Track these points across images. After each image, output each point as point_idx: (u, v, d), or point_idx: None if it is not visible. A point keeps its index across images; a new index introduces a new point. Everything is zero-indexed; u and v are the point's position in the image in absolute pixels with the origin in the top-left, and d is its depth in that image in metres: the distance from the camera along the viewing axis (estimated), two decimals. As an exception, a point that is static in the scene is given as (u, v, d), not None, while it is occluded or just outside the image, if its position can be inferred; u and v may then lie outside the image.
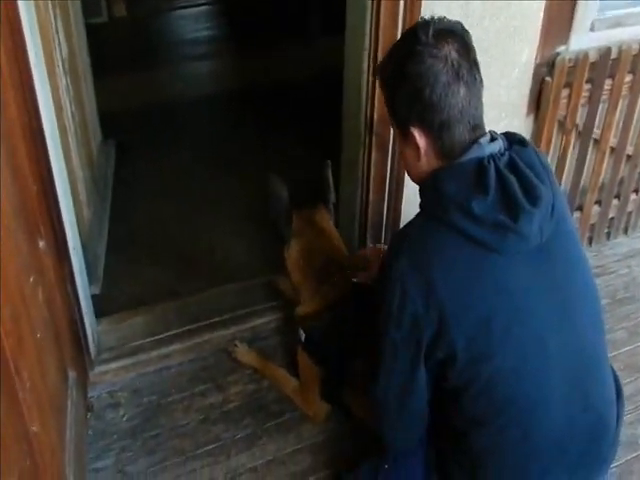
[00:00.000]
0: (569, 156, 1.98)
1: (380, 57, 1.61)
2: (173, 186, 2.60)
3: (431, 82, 1.07)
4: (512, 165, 1.10)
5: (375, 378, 1.20)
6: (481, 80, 1.11)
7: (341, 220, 1.98)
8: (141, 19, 4.15)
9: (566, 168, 2.00)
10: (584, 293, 1.19)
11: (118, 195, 2.50)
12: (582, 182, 2.07)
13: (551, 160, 1.97)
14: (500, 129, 1.83)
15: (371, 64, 1.66)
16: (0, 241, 1.02)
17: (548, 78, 1.83)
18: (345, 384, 1.56)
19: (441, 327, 1.09)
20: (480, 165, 1.08)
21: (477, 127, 1.12)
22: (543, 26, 1.76)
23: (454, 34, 1.09)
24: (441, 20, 1.12)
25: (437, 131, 1.11)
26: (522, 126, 1.92)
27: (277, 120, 2.99)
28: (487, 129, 1.14)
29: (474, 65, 1.10)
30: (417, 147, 1.13)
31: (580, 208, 2.14)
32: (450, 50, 1.07)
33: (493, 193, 1.06)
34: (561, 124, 1.92)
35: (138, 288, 2.10)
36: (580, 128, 1.96)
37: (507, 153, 1.11)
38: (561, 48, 1.83)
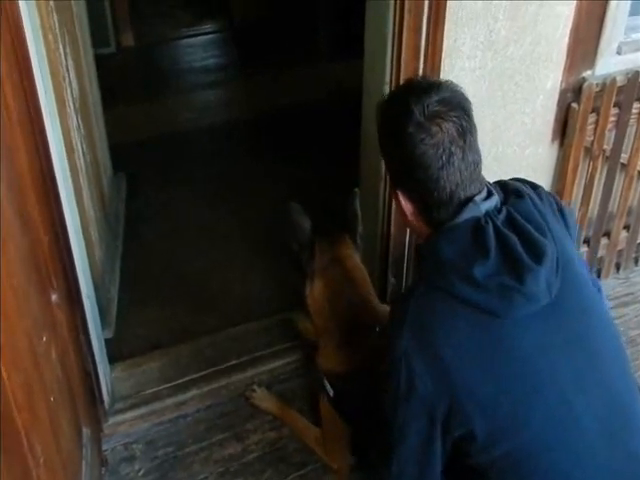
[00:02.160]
0: (596, 182, 1.92)
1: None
2: (185, 219, 2.54)
3: (420, 166, 1.03)
4: (511, 221, 1.04)
5: (387, 463, 1.11)
6: (477, 161, 1.06)
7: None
8: (149, 48, 4.15)
9: (593, 194, 1.94)
10: (603, 338, 1.11)
11: (129, 230, 2.45)
12: (610, 208, 2.00)
13: (577, 187, 1.91)
14: (525, 156, 1.83)
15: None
16: (7, 305, 0.96)
17: (574, 104, 1.77)
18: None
19: (454, 404, 1.01)
20: (477, 225, 1.03)
21: (469, 199, 1.05)
22: (568, 51, 1.71)
23: (451, 115, 1.03)
24: (441, 92, 1.05)
25: (424, 206, 1.08)
26: (547, 153, 1.86)
27: (290, 147, 2.95)
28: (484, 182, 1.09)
29: (468, 149, 1.04)
30: (403, 209, 1.11)
31: (607, 234, 2.07)
32: (444, 137, 1.02)
33: (494, 255, 1.00)
34: (588, 150, 1.86)
35: (151, 329, 2.04)
36: (607, 153, 1.89)
37: (504, 209, 1.06)
38: (587, 73, 1.78)
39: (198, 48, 4.21)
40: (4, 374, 0.88)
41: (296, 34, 3.98)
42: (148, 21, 4.30)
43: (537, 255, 1.01)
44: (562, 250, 1.06)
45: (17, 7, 1.20)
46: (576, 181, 1.90)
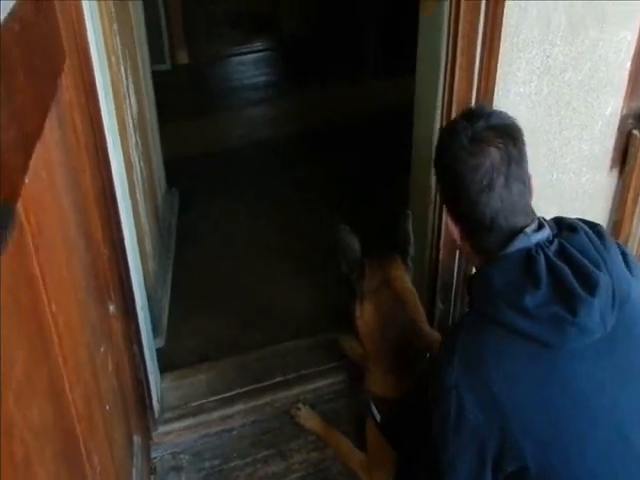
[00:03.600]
0: (657, 212, 1.86)
1: (454, 116, 1.56)
2: (235, 233, 2.59)
3: (460, 188, 1.05)
4: (563, 253, 1.03)
5: None
6: (522, 192, 1.06)
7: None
8: (202, 66, 4.25)
9: (654, 224, 1.88)
10: None
11: (180, 244, 2.51)
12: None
13: (638, 217, 1.85)
14: (582, 184, 1.79)
15: (444, 122, 1.60)
16: (71, 319, 1.00)
17: (635, 131, 1.73)
18: None
19: (506, 437, 0.99)
20: (528, 256, 1.02)
21: (514, 229, 1.05)
22: (630, 76, 1.67)
23: (497, 140, 1.04)
24: (489, 118, 1.06)
25: (466, 231, 1.09)
26: (605, 181, 1.82)
27: (338, 163, 2.97)
28: (536, 215, 1.09)
29: (513, 177, 1.04)
30: (453, 232, 1.12)
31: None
32: (485, 160, 1.03)
33: (545, 285, 0.99)
34: (648, 178, 1.81)
35: (200, 340, 2.08)
36: (670, 182, 1.84)
37: (556, 240, 1.05)
38: (649, 99, 1.73)
39: (249, 65, 4.31)
40: (67, 386, 0.91)
41: (344, 50, 4.03)
42: (202, 39, 4.41)
43: (590, 287, 0.99)
44: (620, 286, 1.04)
45: (84, 31, 1.26)
46: (636, 211, 1.84)
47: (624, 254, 1.13)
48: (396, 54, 2.88)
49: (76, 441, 0.93)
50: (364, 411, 1.60)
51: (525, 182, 1.07)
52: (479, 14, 1.44)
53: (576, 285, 0.99)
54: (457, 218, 1.11)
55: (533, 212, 1.09)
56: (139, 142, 2.12)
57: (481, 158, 1.03)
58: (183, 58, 4.20)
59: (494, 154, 1.03)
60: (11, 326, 0.72)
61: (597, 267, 1.02)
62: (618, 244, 1.14)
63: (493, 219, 1.05)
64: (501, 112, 1.10)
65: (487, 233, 1.06)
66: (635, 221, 1.85)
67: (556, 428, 1.00)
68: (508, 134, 1.06)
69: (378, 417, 1.50)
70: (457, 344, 1.06)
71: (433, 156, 1.17)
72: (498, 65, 1.52)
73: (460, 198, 1.07)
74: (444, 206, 1.18)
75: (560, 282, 1.00)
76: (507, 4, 1.45)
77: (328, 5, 4.07)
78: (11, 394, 0.69)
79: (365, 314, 1.51)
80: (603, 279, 1.00)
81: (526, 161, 1.08)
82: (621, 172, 1.81)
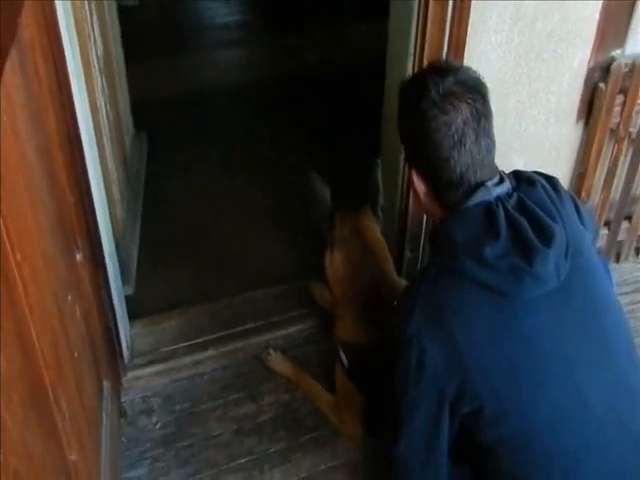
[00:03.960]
0: (620, 165, 1.89)
1: (426, 63, 1.55)
2: (204, 181, 2.56)
3: (432, 144, 1.05)
4: (521, 206, 1.06)
5: (395, 439, 1.14)
6: (490, 147, 1.08)
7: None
8: (171, 2, 4.10)
9: (616, 177, 1.92)
10: (612, 324, 1.13)
11: (149, 191, 2.47)
12: (632, 191, 1.98)
13: (601, 168, 1.89)
14: (549, 135, 1.82)
15: (416, 70, 1.59)
16: (36, 268, 1.00)
17: (601, 84, 1.74)
18: None
19: (465, 382, 1.04)
20: (488, 209, 1.05)
21: (481, 183, 1.08)
22: (598, 29, 1.67)
23: (466, 96, 1.05)
24: (459, 74, 1.07)
25: (435, 186, 1.10)
26: (571, 133, 1.84)
27: (311, 112, 2.93)
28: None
29: (482, 133, 1.06)
30: (417, 189, 1.13)
31: (629, 218, 2.06)
32: (457, 116, 1.03)
33: (504, 237, 1.03)
34: (613, 131, 1.83)
35: (170, 288, 2.09)
36: (633, 136, 1.86)
37: (515, 194, 1.08)
38: (616, 52, 1.74)
39: (220, 3, 4.16)
40: (34, 334, 0.92)
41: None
42: (171, -27, 4.24)
43: (546, 238, 1.03)
44: (573, 238, 1.08)
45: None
46: (600, 163, 1.88)
47: (576, 206, 1.17)
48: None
49: (44, 388, 0.95)
50: (333, 356, 1.64)
51: (492, 137, 1.09)
52: (452, -40, 1.42)
53: (533, 237, 1.02)
54: (425, 174, 1.12)
55: (495, 166, 1.11)
56: (105, 83, 2.06)
57: (452, 114, 1.04)
58: (151, -8, 4.04)
59: (465, 110, 1.04)
60: (-27, 278, 0.72)
61: (553, 219, 1.05)
62: (571, 196, 1.18)
63: (462, 174, 1.06)
64: (468, 68, 1.11)
65: (456, 188, 1.08)
66: (598, 173, 1.89)
67: (512, 374, 1.04)
68: (476, 90, 1.07)
69: (346, 362, 1.55)
70: (419, 294, 1.10)
71: (397, 110, 1.16)
72: (470, 13, 1.51)
73: (430, 155, 1.07)
74: (409, 163, 1.18)
75: (518, 234, 1.03)
76: (480, -49, 1.43)
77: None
78: (-24, 344, 0.69)
79: (335, 263, 1.53)
80: (558, 230, 1.04)
81: (492, 116, 1.09)
82: (586, 124, 1.83)
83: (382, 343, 1.32)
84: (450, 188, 1.09)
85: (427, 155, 1.08)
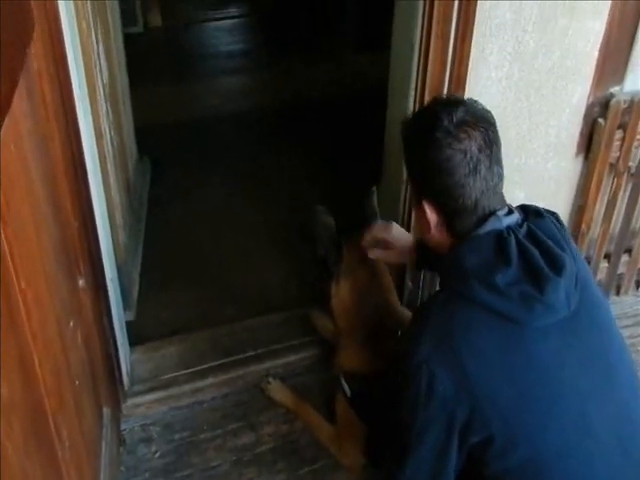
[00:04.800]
0: (620, 198, 1.91)
1: (427, 97, 1.57)
2: (207, 205, 2.58)
3: (447, 172, 1.07)
4: (532, 235, 1.08)
5: (401, 467, 1.12)
6: (500, 174, 1.10)
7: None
8: (176, 29, 4.17)
9: (616, 210, 1.93)
10: (618, 357, 1.14)
11: (152, 215, 2.49)
12: (632, 225, 2.00)
13: (600, 202, 1.91)
14: (548, 168, 1.84)
15: (417, 105, 1.62)
16: (40, 293, 1.00)
17: (601, 119, 1.76)
18: None
19: (474, 409, 1.04)
20: (500, 237, 1.07)
21: (492, 212, 1.10)
22: (597, 66, 1.70)
23: (478, 125, 1.07)
24: (469, 106, 1.10)
25: (449, 214, 1.11)
26: (571, 166, 1.86)
27: (313, 139, 2.96)
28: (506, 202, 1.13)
29: (494, 160, 1.09)
30: (428, 220, 1.14)
31: (629, 251, 2.07)
32: (471, 144, 1.06)
33: (516, 264, 1.04)
34: (612, 166, 1.85)
35: (171, 313, 2.08)
36: (632, 170, 1.88)
37: (525, 224, 1.10)
38: (615, 88, 1.77)
39: (224, 32, 4.23)
40: (36, 361, 0.92)
41: (323, 22, 3.98)
42: (176, 2, 4.31)
43: (557, 267, 1.04)
44: (582, 271, 1.10)
45: (54, -2, 1.23)
46: (599, 196, 1.89)
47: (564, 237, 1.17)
48: (375, 28, 2.87)
49: (45, 416, 0.95)
50: (334, 385, 1.63)
51: (502, 165, 1.12)
52: (453, -1, 1.46)
53: (544, 265, 1.04)
54: (439, 203, 1.12)
55: (504, 197, 1.13)
56: (110, 109, 2.08)
57: (467, 142, 1.06)
58: (156, 21, 4.11)
59: (478, 138, 1.07)
60: (-21, 304, 0.73)
61: (562, 249, 1.08)
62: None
63: (477, 200, 1.08)
64: (475, 100, 1.13)
65: (470, 215, 1.10)
66: (598, 206, 1.91)
67: (521, 401, 1.04)
68: (486, 119, 1.10)
69: (348, 392, 1.54)
70: (428, 320, 1.10)
71: (404, 142, 1.17)
72: (471, 49, 1.54)
73: (445, 182, 1.08)
74: (416, 196, 1.18)
75: (529, 262, 1.05)
76: (481, -10, 1.46)
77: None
78: (-20, 372, 0.70)
79: (341, 293, 1.53)
80: (568, 260, 1.06)
81: (501, 144, 1.12)
82: (586, 158, 1.85)
83: (386, 373, 1.32)
84: (464, 215, 1.10)
85: (442, 183, 1.09)
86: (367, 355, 1.50)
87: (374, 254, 1.50)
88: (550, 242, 1.07)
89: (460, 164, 1.06)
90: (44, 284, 1.04)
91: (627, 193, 1.94)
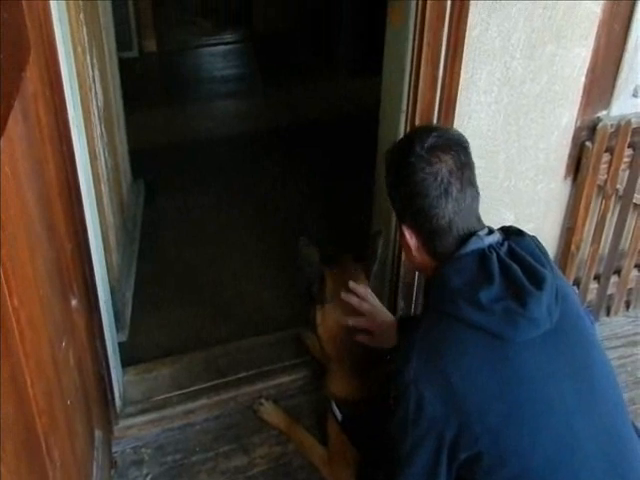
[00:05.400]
0: (608, 220, 1.94)
1: (418, 121, 1.60)
2: (201, 228, 2.59)
3: (421, 194, 1.12)
4: (512, 253, 1.12)
5: None
6: (474, 196, 1.15)
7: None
8: (171, 55, 4.22)
9: (605, 232, 1.96)
10: (600, 369, 1.16)
11: (145, 236, 2.50)
12: (621, 246, 2.02)
13: (589, 223, 1.93)
14: (537, 191, 1.86)
15: (408, 127, 1.65)
16: (33, 315, 1.00)
17: (588, 143, 1.79)
18: None
19: (463, 427, 1.05)
20: (482, 256, 1.11)
21: (468, 232, 1.14)
22: (584, 91, 1.74)
23: (450, 149, 1.13)
24: (441, 132, 1.16)
25: (426, 236, 1.16)
26: (560, 189, 1.89)
27: (307, 161, 3.00)
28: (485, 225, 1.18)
29: (466, 182, 1.13)
30: (408, 243, 1.19)
31: (618, 272, 2.09)
32: (442, 167, 1.11)
33: (498, 281, 1.08)
34: (600, 188, 1.88)
35: (164, 334, 2.09)
36: (620, 192, 1.92)
37: (506, 243, 1.14)
38: (602, 113, 1.80)
39: (218, 57, 4.28)
40: (28, 381, 0.93)
41: (317, 48, 4.04)
42: (171, 27, 4.38)
43: (538, 282, 1.08)
44: (560, 285, 1.13)
45: (51, 24, 1.25)
46: (588, 218, 1.92)
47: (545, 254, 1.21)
48: (368, 53, 2.92)
49: (37, 436, 0.95)
50: (325, 408, 1.63)
51: (476, 187, 1.16)
52: (443, 26, 1.49)
53: (525, 281, 1.07)
54: (416, 226, 1.17)
55: (480, 218, 1.18)
56: (104, 132, 2.10)
57: (438, 165, 1.11)
58: (151, 46, 4.16)
59: (449, 161, 1.12)
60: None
61: (542, 265, 1.11)
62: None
63: (451, 221, 1.12)
64: (449, 127, 1.18)
65: (446, 236, 1.14)
66: (587, 227, 1.93)
67: (509, 417, 1.05)
68: (459, 143, 1.15)
69: (339, 416, 1.54)
70: (416, 340, 1.12)
71: (385, 172, 1.22)
72: (460, 74, 1.57)
73: (419, 205, 1.13)
74: (398, 222, 1.23)
75: (511, 279, 1.08)
76: (470, 18, 1.50)
77: (302, 1, 4.08)
78: (-27, 391, 0.70)
79: (326, 321, 1.54)
80: (548, 276, 1.09)
81: (475, 167, 1.17)
82: (574, 181, 1.88)
83: (376, 399, 1.32)
84: (441, 236, 1.14)
85: (416, 205, 1.14)
86: (356, 382, 1.50)
87: (360, 338, 1.51)
88: (530, 258, 1.11)
89: (431, 186, 1.11)
90: (37, 304, 1.05)
91: (615, 215, 1.97)
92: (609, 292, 2.11)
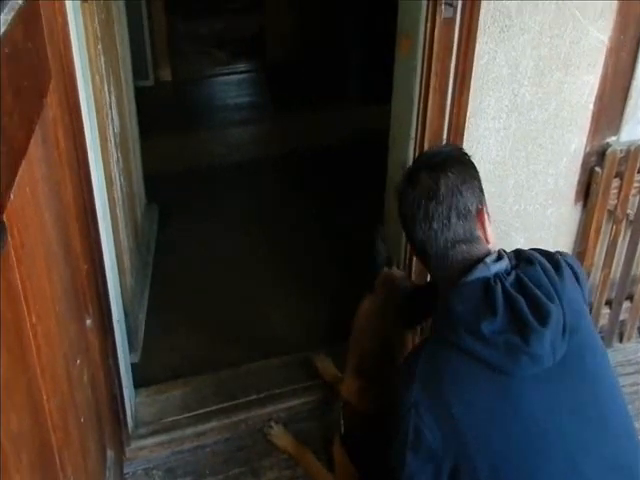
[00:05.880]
0: (619, 245, 1.94)
1: (426, 147, 1.63)
2: (213, 251, 2.61)
3: (409, 224, 1.14)
4: (519, 284, 1.08)
5: None
6: (468, 211, 1.12)
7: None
8: (185, 84, 4.30)
9: (616, 257, 1.96)
10: (613, 407, 1.13)
11: (158, 259, 2.53)
12: (633, 271, 2.02)
13: (600, 248, 1.94)
14: (548, 215, 1.87)
15: (416, 153, 1.67)
16: (50, 332, 1.03)
17: (598, 168, 1.81)
18: None
19: (462, 458, 1.03)
20: (487, 285, 1.07)
21: (473, 260, 1.11)
22: (593, 117, 1.76)
23: (431, 171, 1.12)
24: (429, 155, 1.18)
25: (426, 261, 1.17)
26: (570, 213, 1.90)
27: (319, 187, 3.03)
28: (497, 248, 1.15)
29: (452, 207, 1.11)
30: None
31: (630, 297, 2.08)
32: (416, 192, 1.12)
33: (502, 313, 1.04)
34: (611, 213, 1.89)
35: (175, 357, 2.10)
36: (631, 217, 1.92)
37: (514, 272, 1.10)
38: (612, 139, 1.82)
39: (232, 86, 4.35)
40: (44, 396, 0.94)
41: (328, 77, 4.11)
42: (186, 58, 4.46)
43: (542, 317, 1.04)
44: (571, 316, 1.09)
45: (70, 53, 1.31)
46: (599, 243, 1.92)
47: (576, 275, 1.18)
48: (378, 82, 2.97)
49: (51, 451, 0.96)
50: (332, 431, 1.63)
51: (469, 210, 1.12)
52: (450, 56, 1.53)
53: (529, 315, 1.04)
54: (418, 253, 1.19)
55: (480, 238, 1.14)
56: (120, 158, 2.15)
57: (412, 193, 1.13)
58: (166, 75, 4.24)
59: (427, 183, 1.11)
60: (-6, 336, 0.75)
61: (550, 299, 1.07)
62: (571, 266, 1.17)
63: (442, 247, 1.11)
64: (445, 145, 1.18)
65: (441, 261, 1.13)
66: (597, 252, 1.93)
67: (509, 452, 1.04)
68: (447, 165, 1.13)
69: (342, 429, 1.53)
70: (417, 365, 1.10)
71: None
72: (469, 101, 1.60)
73: (412, 232, 1.15)
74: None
75: (515, 312, 1.05)
76: (477, 48, 1.53)
77: (313, 33, 4.17)
78: (-8, 401, 0.72)
79: (363, 306, 1.53)
80: (554, 311, 1.05)
81: (474, 191, 1.14)
82: (585, 205, 1.88)
83: (380, 414, 1.32)
84: (436, 261, 1.14)
85: (408, 233, 1.17)
86: (371, 392, 1.49)
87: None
88: (537, 291, 1.07)
89: (413, 214, 1.12)
90: (54, 321, 1.07)
91: (627, 240, 1.96)
92: (621, 318, 2.10)
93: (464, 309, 1.07)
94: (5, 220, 0.79)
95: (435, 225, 1.11)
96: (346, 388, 1.55)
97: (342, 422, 1.55)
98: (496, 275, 1.09)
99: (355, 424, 1.52)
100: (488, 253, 1.12)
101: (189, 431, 1.79)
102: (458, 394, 1.06)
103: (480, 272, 1.09)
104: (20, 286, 0.87)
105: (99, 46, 1.82)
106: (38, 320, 0.93)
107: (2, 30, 0.81)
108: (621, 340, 2.15)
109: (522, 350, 1.03)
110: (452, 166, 1.13)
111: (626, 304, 2.08)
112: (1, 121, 0.79)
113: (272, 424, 1.81)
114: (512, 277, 1.09)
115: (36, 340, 0.92)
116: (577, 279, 1.17)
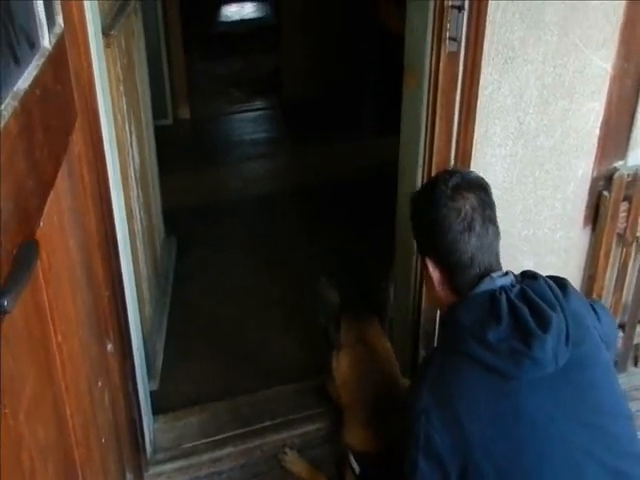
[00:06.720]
0: (630, 268, 1.95)
1: (434, 173, 1.68)
2: (229, 281, 2.67)
3: (445, 229, 1.19)
4: (523, 295, 1.16)
5: None
6: (495, 233, 1.22)
7: (393, 325, 1.98)
8: (203, 122, 4.42)
9: (627, 280, 1.97)
10: (615, 417, 1.17)
11: (176, 289, 2.59)
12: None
13: (611, 272, 1.95)
14: (556, 239, 1.90)
15: (425, 180, 1.72)
16: (74, 352, 1.07)
17: (606, 192, 1.83)
18: None
19: (470, 462, 1.08)
20: (492, 296, 1.15)
21: (488, 270, 1.20)
22: (599, 143, 1.79)
23: (472, 189, 1.21)
24: (464, 174, 1.25)
25: (449, 270, 1.22)
26: (579, 237, 1.92)
27: (334, 219, 3.08)
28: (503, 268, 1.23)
29: (488, 220, 1.20)
30: (431, 277, 1.24)
31: (642, 321, 2.08)
32: (465, 204, 1.18)
33: (506, 322, 1.12)
34: (620, 236, 1.91)
35: (192, 385, 2.14)
36: (640, 240, 1.94)
37: (518, 285, 1.18)
38: (619, 163, 1.84)
39: (249, 122, 4.46)
40: (68, 411, 0.99)
41: (342, 113, 4.21)
42: (204, 97, 4.60)
43: (544, 324, 1.11)
44: (577, 329, 1.15)
45: (95, 95, 1.39)
46: (609, 266, 1.93)
47: (593, 308, 1.27)
48: (390, 116, 3.05)
49: (74, 465, 1.00)
50: (343, 461, 1.63)
51: (497, 225, 1.23)
52: (456, 88, 1.59)
53: (532, 322, 1.11)
54: (439, 259, 1.23)
55: (499, 259, 1.23)
56: (140, 193, 2.23)
57: (461, 202, 1.19)
58: (185, 114, 4.37)
59: (472, 199, 1.19)
60: (23, 351, 0.81)
61: (552, 308, 1.14)
62: (591, 304, 1.28)
63: (473, 256, 1.19)
64: (470, 170, 1.28)
65: (467, 271, 1.20)
66: (608, 275, 1.94)
67: (514, 456, 1.08)
68: (480, 185, 1.24)
69: (357, 470, 1.54)
70: (427, 373, 1.17)
71: (410, 208, 1.30)
72: (475, 130, 1.65)
73: (443, 240, 1.20)
74: (421, 256, 1.29)
75: (518, 320, 1.12)
76: (482, 79, 1.58)
77: (328, 69, 4.29)
78: (22, 411, 0.77)
79: (341, 365, 1.58)
80: (556, 319, 1.12)
81: (495, 208, 1.24)
82: (594, 229, 1.90)
83: (392, 452, 1.34)
84: (463, 270, 1.20)
85: (440, 239, 1.20)
86: (370, 431, 1.51)
87: None
88: (540, 301, 1.14)
89: (455, 221, 1.18)
90: (77, 342, 1.12)
91: (637, 262, 1.97)
92: (635, 342, 2.09)
93: (472, 319, 1.14)
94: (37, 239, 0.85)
95: (476, 233, 1.18)
96: (357, 442, 1.56)
97: (355, 463, 1.56)
98: (501, 287, 1.17)
99: (367, 465, 1.53)
100: (496, 267, 1.20)
101: (206, 457, 1.81)
102: (464, 399, 1.11)
103: (486, 285, 1.17)
104: (47, 306, 0.92)
105: (121, 88, 1.91)
106: (63, 339, 0.99)
107: (34, 74, 0.88)
108: (636, 364, 2.14)
109: (525, 354, 1.09)
110: (486, 184, 1.25)
111: (639, 328, 2.07)
112: (34, 154, 0.86)
113: (286, 450, 1.82)
114: (517, 289, 1.17)
115: (61, 358, 0.97)
116: (593, 308, 1.26)
